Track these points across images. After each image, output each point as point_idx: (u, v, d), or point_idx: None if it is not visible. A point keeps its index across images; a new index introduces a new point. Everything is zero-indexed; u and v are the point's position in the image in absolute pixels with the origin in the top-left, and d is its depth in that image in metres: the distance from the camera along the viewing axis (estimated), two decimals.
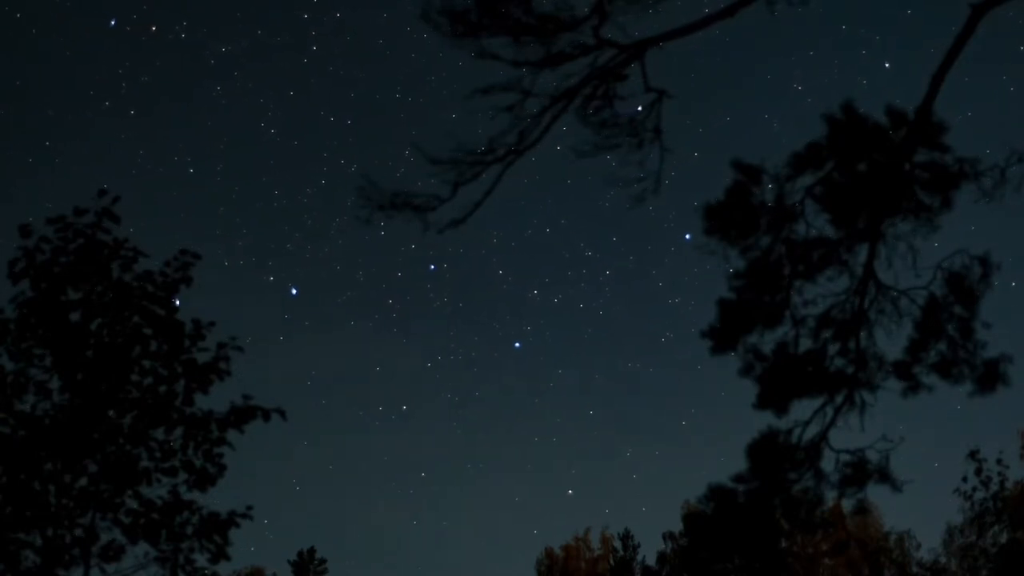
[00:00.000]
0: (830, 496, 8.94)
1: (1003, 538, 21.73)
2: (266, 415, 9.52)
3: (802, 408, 8.77)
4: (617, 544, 45.78)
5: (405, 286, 63.84)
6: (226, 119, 53.11)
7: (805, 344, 8.77)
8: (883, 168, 8.41)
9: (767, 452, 8.71)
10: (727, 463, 9.31)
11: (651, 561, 43.57)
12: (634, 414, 66.19)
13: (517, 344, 59.97)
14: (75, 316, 9.17)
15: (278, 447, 61.46)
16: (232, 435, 9.48)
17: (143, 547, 9.13)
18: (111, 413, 9.11)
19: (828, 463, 8.81)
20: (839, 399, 8.75)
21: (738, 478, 8.76)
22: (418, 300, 63.14)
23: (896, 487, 8.88)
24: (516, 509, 65.55)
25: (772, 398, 8.73)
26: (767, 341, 8.75)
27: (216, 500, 9.46)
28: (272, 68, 54.65)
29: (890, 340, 8.77)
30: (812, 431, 8.76)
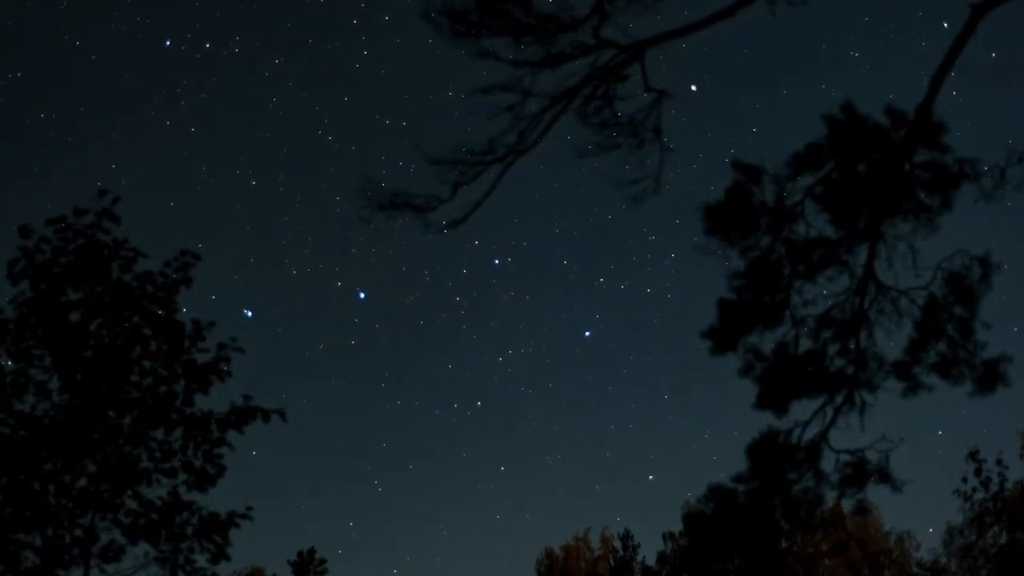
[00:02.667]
0: (830, 496, 8.95)
1: (1003, 538, 21.70)
2: (266, 416, 9.52)
3: (802, 408, 8.78)
4: (617, 544, 45.77)
5: (471, 283, 64.14)
6: (284, 129, 53.39)
7: (805, 344, 8.78)
8: (883, 168, 8.40)
9: (767, 452, 8.71)
10: (727, 463, 9.31)
11: (651, 561, 43.58)
12: (634, 414, 66.23)
13: (587, 333, 59.66)
14: (75, 316, 9.16)
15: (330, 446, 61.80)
16: (233, 436, 9.49)
17: (143, 547, 9.13)
18: (111, 413, 9.10)
19: (828, 463, 8.82)
20: (839, 399, 8.75)
21: (738, 478, 8.76)
22: (485, 296, 63.37)
23: (896, 487, 8.88)
24: (517, 509, 65.54)
25: (772, 398, 8.73)
26: (767, 341, 8.76)
27: (216, 500, 9.47)
28: (326, 75, 54.90)
29: (890, 340, 8.78)
30: (812, 431, 8.77)
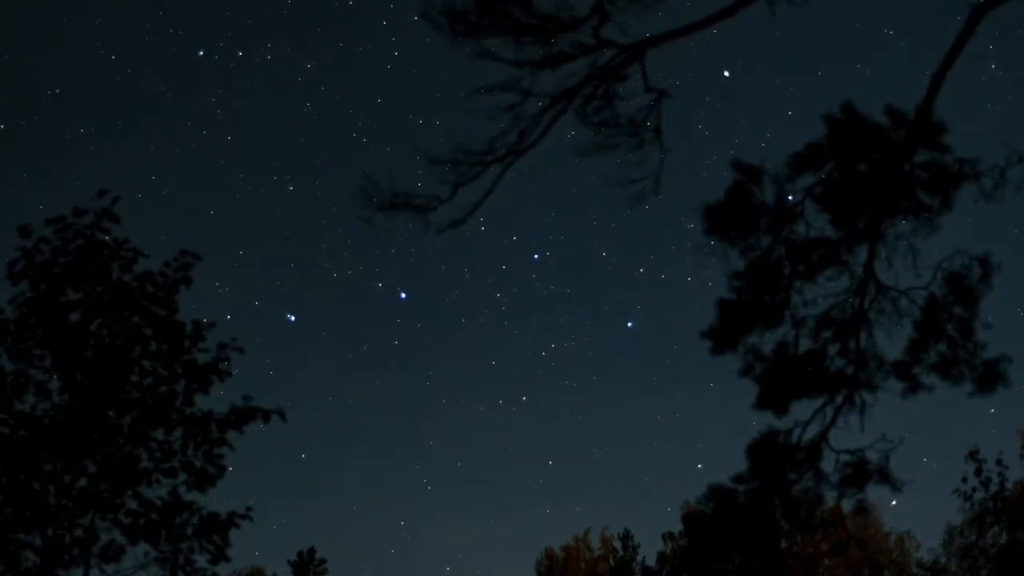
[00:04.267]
0: (830, 496, 8.95)
1: (1003, 538, 21.70)
2: (266, 416, 9.52)
3: (802, 408, 8.78)
4: (617, 544, 45.77)
5: (511, 278, 64.29)
6: (318, 133, 53.51)
7: (805, 344, 8.78)
8: (883, 168, 8.40)
9: (767, 452, 8.71)
10: (727, 463, 9.32)
11: (651, 561, 43.57)
12: (633, 413, 66.18)
13: (630, 324, 59.59)
14: (75, 316, 9.16)
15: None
16: (239, 436, 9.49)
17: (143, 547, 9.12)
18: (111, 413, 9.10)
19: (828, 463, 8.82)
20: (839, 399, 8.75)
21: (738, 478, 8.76)
22: (525, 290, 63.46)
23: (896, 487, 8.89)
24: (516, 509, 65.52)
25: (772, 398, 8.72)
26: (767, 341, 8.76)
27: (216, 501, 9.47)
28: (358, 78, 55.03)
29: (890, 340, 8.78)
30: (812, 431, 8.77)
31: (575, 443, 67.64)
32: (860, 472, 8.81)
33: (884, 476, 8.83)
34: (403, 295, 57.98)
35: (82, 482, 8.96)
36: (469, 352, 65.07)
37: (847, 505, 9.33)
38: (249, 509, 9.43)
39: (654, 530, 65.08)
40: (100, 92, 54.38)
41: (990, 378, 8.61)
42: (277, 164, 62.63)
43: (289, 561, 50.91)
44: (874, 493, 8.91)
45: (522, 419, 65.59)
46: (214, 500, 9.44)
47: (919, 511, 43.77)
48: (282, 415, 9.61)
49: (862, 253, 8.60)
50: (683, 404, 67.42)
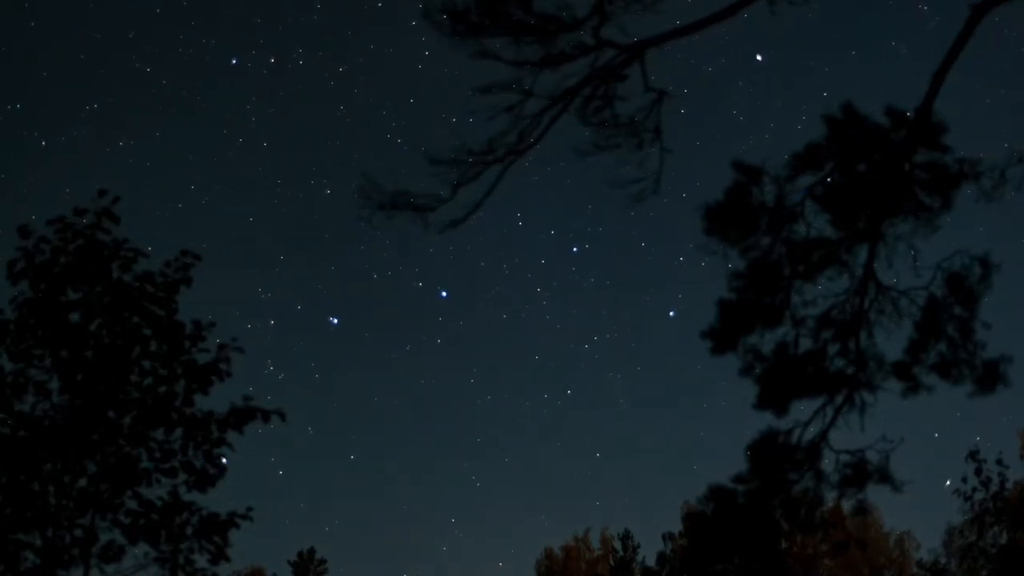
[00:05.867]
0: (830, 496, 8.94)
1: (1003, 538, 21.70)
2: (266, 416, 9.52)
3: (802, 408, 8.78)
4: (617, 544, 45.79)
5: (550, 272, 64.43)
6: (354, 136, 53.65)
7: (805, 344, 8.77)
8: (883, 168, 8.40)
9: (767, 452, 8.71)
10: (727, 463, 9.32)
11: (651, 561, 43.61)
12: (633, 413, 66.21)
13: (672, 313, 59.57)
14: (75, 317, 9.16)
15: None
16: (233, 436, 9.48)
17: (143, 548, 9.11)
18: (111, 414, 9.09)
19: (828, 463, 8.82)
20: (839, 399, 8.75)
21: (738, 478, 8.75)
22: (566, 284, 63.49)
23: (896, 487, 8.88)
24: (516, 509, 65.55)
25: (772, 398, 8.72)
26: (767, 341, 8.76)
27: (216, 501, 9.46)
28: (389, 79, 55.17)
29: (890, 340, 8.78)
30: (812, 431, 8.76)
31: (576, 443, 67.73)
32: (860, 472, 8.80)
33: (884, 476, 8.83)
34: (444, 293, 58.18)
35: (82, 482, 8.95)
36: (510, 346, 64.72)
37: (847, 505, 9.33)
38: (249, 509, 9.43)
39: (654, 530, 65.16)
40: (138, 106, 54.94)
41: (990, 378, 8.61)
42: (313, 168, 62.90)
43: (289, 561, 51.01)
44: (874, 493, 8.92)
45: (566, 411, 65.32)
46: (214, 500, 9.45)
47: (919, 511, 43.83)
48: (282, 415, 9.61)
49: (862, 253, 8.60)
50: (683, 403, 67.57)
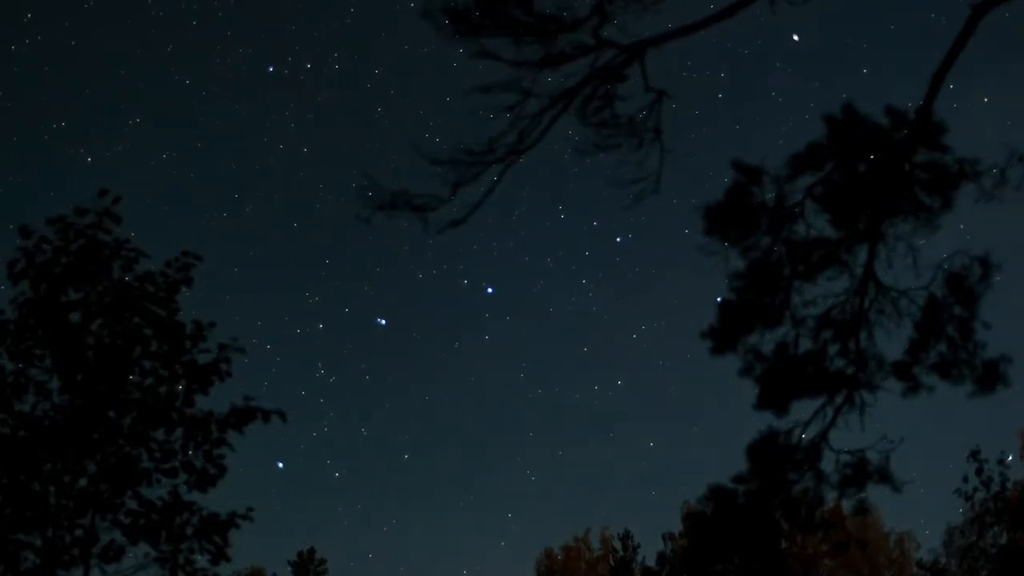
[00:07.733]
0: (830, 496, 8.94)
1: (1003, 538, 21.70)
2: (266, 416, 9.51)
3: (802, 408, 8.78)
4: (617, 544, 45.80)
5: (595, 264, 64.34)
6: (391, 139, 53.73)
7: (805, 344, 8.78)
8: (883, 168, 8.41)
9: (767, 452, 8.71)
10: (727, 463, 9.32)
11: (651, 561, 43.61)
12: (633, 413, 66.25)
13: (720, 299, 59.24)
14: (75, 317, 9.16)
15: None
16: (233, 436, 9.48)
17: (143, 548, 9.11)
18: (111, 414, 9.09)
19: (828, 463, 8.82)
20: (839, 399, 8.75)
21: (738, 478, 8.76)
22: (610, 275, 63.38)
23: (896, 487, 8.88)
24: (517, 509, 65.58)
25: (772, 398, 8.73)
26: (767, 342, 8.76)
27: (216, 501, 9.46)
28: (424, 78, 55.19)
29: (890, 340, 8.78)
30: (812, 431, 8.77)
31: (576, 442, 67.72)
32: (860, 472, 8.81)
33: (884, 476, 8.83)
34: (490, 290, 58.30)
35: (82, 482, 8.95)
36: (557, 340, 64.25)
37: (847, 505, 9.33)
38: (250, 509, 9.42)
39: (654, 530, 65.13)
40: (181, 119, 55.04)
41: (990, 378, 8.61)
42: (353, 172, 62.89)
43: (289, 561, 51.01)
44: (874, 493, 8.92)
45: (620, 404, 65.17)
46: (214, 500, 9.45)
47: (919, 511, 43.84)
48: (282, 416, 9.61)
49: (862, 253, 8.61)
50: (683, 403, 67.55)
